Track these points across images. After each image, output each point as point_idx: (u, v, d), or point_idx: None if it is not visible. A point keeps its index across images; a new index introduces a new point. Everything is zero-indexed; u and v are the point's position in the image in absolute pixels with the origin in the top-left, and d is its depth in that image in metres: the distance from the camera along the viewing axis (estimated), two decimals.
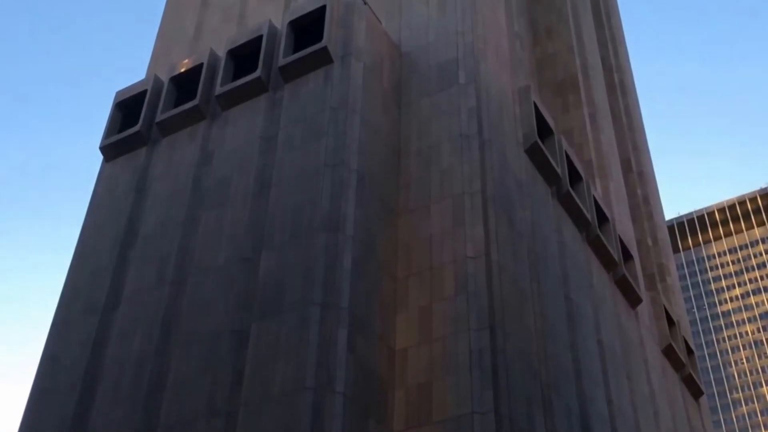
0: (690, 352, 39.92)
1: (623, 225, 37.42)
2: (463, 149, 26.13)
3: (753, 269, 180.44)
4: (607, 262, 33.22)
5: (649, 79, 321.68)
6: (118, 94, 32.34)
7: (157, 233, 26.83)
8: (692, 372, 38.91)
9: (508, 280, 23.97)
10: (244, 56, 29.81)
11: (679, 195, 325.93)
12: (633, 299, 34.88)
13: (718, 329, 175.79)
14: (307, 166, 24.80)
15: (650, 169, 45.71)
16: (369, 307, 22.51)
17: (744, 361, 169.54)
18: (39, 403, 24.76)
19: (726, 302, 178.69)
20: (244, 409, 20.56)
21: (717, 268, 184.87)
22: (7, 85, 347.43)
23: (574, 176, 32.45)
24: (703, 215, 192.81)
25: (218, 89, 29.05)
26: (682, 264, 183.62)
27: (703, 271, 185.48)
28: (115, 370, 24.03)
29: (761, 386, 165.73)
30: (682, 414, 36.32)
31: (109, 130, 31.32)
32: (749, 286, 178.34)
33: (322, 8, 28.70)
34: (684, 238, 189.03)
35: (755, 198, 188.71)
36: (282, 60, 28.11)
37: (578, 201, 31.35)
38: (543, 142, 30.27)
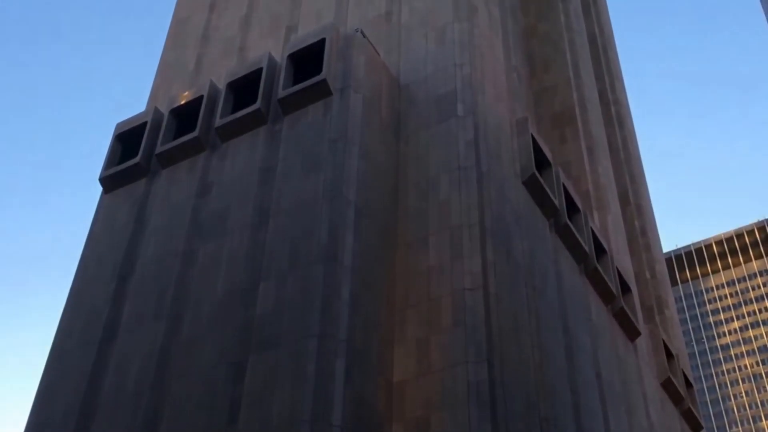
0: (689, 385, 39.72)
1: (621, 257, 37.43)
2: (461, 181, 26.22)
3: (751, 302, 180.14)
4: (606, 295, 33.17)
5: (646, 112, 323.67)
6: (118, 126, 32.50)
7: (155, 265, 26.80)
8: (691, 406, 38.69)
9: (506, 312, 23.93)
10: (244, 88, 30.01)
11: (677, 228, 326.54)
12: (631, 332, 34.78)
13: (717, 363, 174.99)
14: (306, 198, 24.86)
15: (648, 201, 45.85)
16: (367, 339, 22.44)
17: (743, 395, 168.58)
18: None
19: (725, 335, 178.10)
20: None
21: (715, 301, 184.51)
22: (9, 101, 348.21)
23: (572, 208, 32.54)
24: (701, 248, 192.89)
25: (218, 121, 29.21)
26: (680, 297, 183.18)
27: (702, 304, 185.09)
28: (112, 402, 23.84)
29: (761, 420, 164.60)
30: None
31: (109, 162, 31.42)
32: (748, 319, 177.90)
33: (322, 41, 28.96)
34: (682, 270, 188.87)
35: (753, 231, 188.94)
36: (281, 92, 28.30)
37: (576, 233, 31.40)
38: (541, 174, 30.39)
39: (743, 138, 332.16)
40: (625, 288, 35.59)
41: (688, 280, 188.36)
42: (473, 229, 24.83)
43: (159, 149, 30.17)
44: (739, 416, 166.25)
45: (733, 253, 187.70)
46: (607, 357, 30.93)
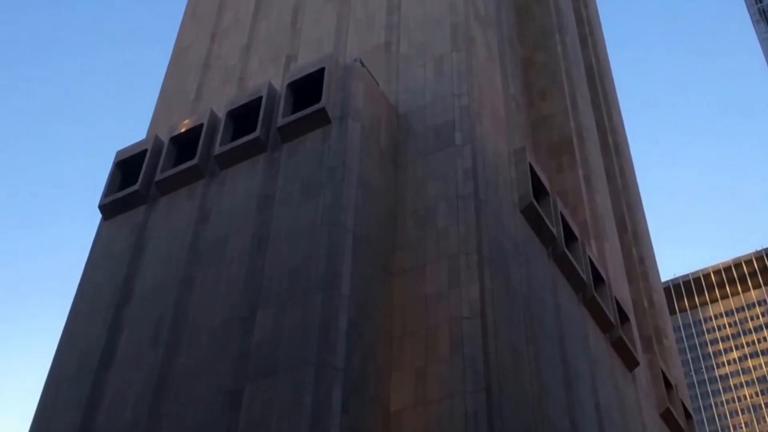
0: (688, 416, 39.50)
1: (619, 286, 37.42)
2: (459, 210, 26.32)
3: (750, 332, 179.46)
4: (604, 324, 33.12)
5: (643, 141, 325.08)
6: (118, 153, 32.67)
7: (153, 293, 26.79)
8: None
9: (504, 341, 23.89)
10: (243, 117, 30.21)
11: (676, 257, 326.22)
12: (630, 362, 34.66)
13: (716, 393, 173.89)
14: (304, 225, 24.93)
15: (645, 229, 45.92)
16: (364, 367, 22.39)
17: (742, 425, 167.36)
18: None
19: (724, 365, 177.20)
20: None
21: (714, 330, 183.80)
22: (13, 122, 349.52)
23: (570, 237, 32.59)
24: (699, 277, 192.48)
25: (217, 149, 29.37)
26: (679, 326, 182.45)
27: (700, 334, 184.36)
28: (109, 431, 23.72)
29: None
30: None
31: (109, 189, 31.53)
32: (747, 349, 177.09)
33: (321, 70, 29.22)
34: (681, 300, 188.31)
35: (751, 260, 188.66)
36: (281, 120, 28.50)
37: (574, 261, 31.43)
38: (538, 202, 30.51)
39: (743, 167, 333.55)
40: (624, 317, 35.53)
41: (686, 310, 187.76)
42: (471, 258, 24.88)
43: (159, 177, 30.30)
44: None
45: (732, 282, 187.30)
46: (606, 386, 30.81)
